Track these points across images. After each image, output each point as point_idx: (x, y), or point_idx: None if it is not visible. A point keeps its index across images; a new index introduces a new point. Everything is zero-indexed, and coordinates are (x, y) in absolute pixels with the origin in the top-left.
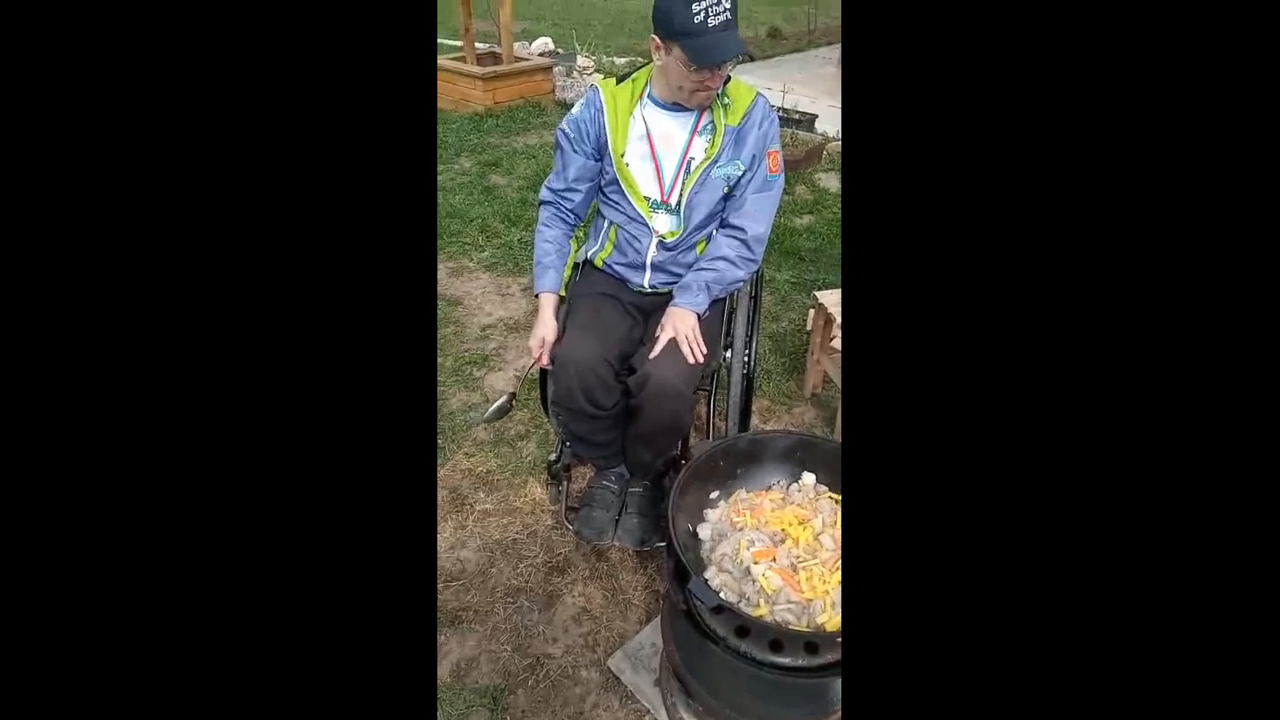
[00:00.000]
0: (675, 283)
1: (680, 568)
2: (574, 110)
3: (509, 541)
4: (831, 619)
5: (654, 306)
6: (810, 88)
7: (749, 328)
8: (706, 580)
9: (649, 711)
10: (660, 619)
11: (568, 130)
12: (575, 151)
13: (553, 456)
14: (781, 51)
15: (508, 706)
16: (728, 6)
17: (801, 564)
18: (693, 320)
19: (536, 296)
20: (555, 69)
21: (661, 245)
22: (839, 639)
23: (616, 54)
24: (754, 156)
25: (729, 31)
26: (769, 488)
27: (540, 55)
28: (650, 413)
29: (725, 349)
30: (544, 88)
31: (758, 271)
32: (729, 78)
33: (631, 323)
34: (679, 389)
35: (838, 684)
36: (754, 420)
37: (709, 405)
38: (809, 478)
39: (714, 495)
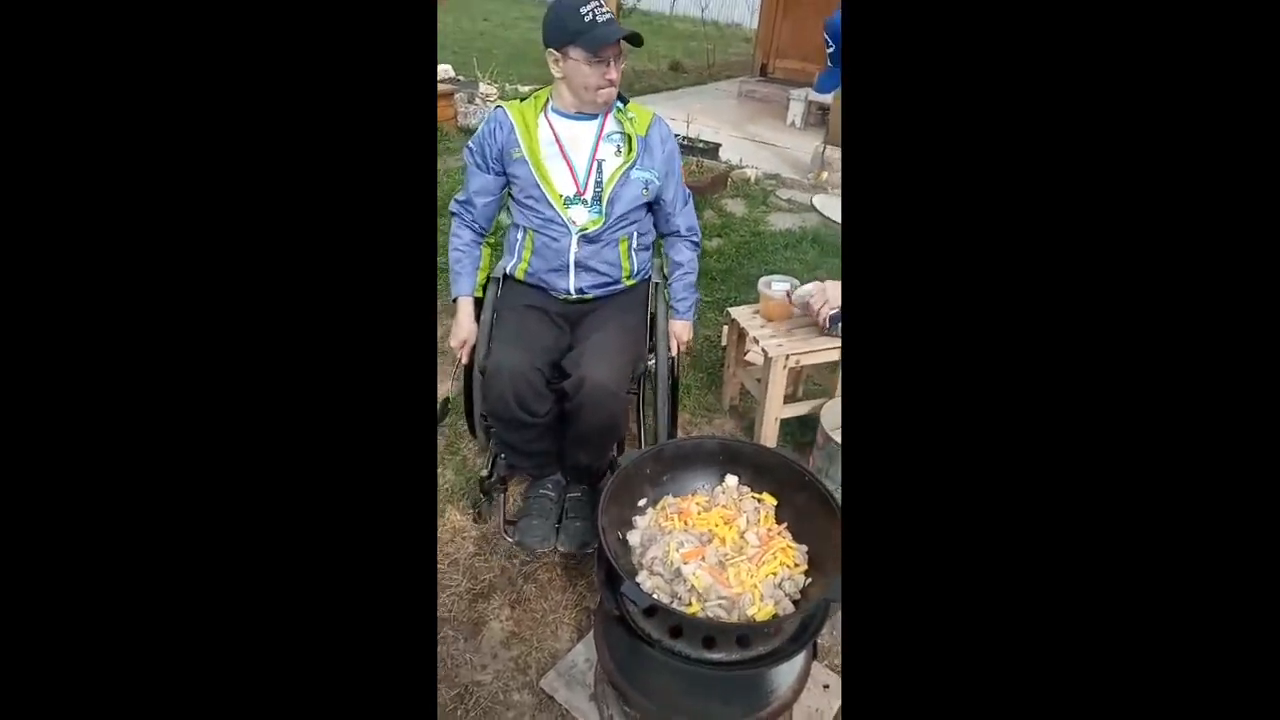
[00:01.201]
0: (600, 285)
1: (612, 573)
2: (478, 130)
3: None
4: (761, 610)
5: (579, 315)
6: (712, 118)
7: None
8: (638, 583)
9: None
10: (593, 632)
11: (473, 147)
12: (477, 167)
13: (484, 473)
14: (684, 84)
15: None
16: (609, 8)
17: (729, 561)
18: (689, 330)
19: (454, 301)
20: (456, 95)
21: (584, 239)
22: (768, 630)
23: (520, 82)
24: (666, 172)
25: (613, 24)
26: (694, 492)
27: (441, 81)
28: (588, 415)
29: (650, 351)
30: (445, 114)
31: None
32: (625, 100)
33: (558, 332)
34: (613, 390)
35: (771, 676)
36: (678, 432)
37: (639, 408)
38: (732, 480)
39: (642, 503)
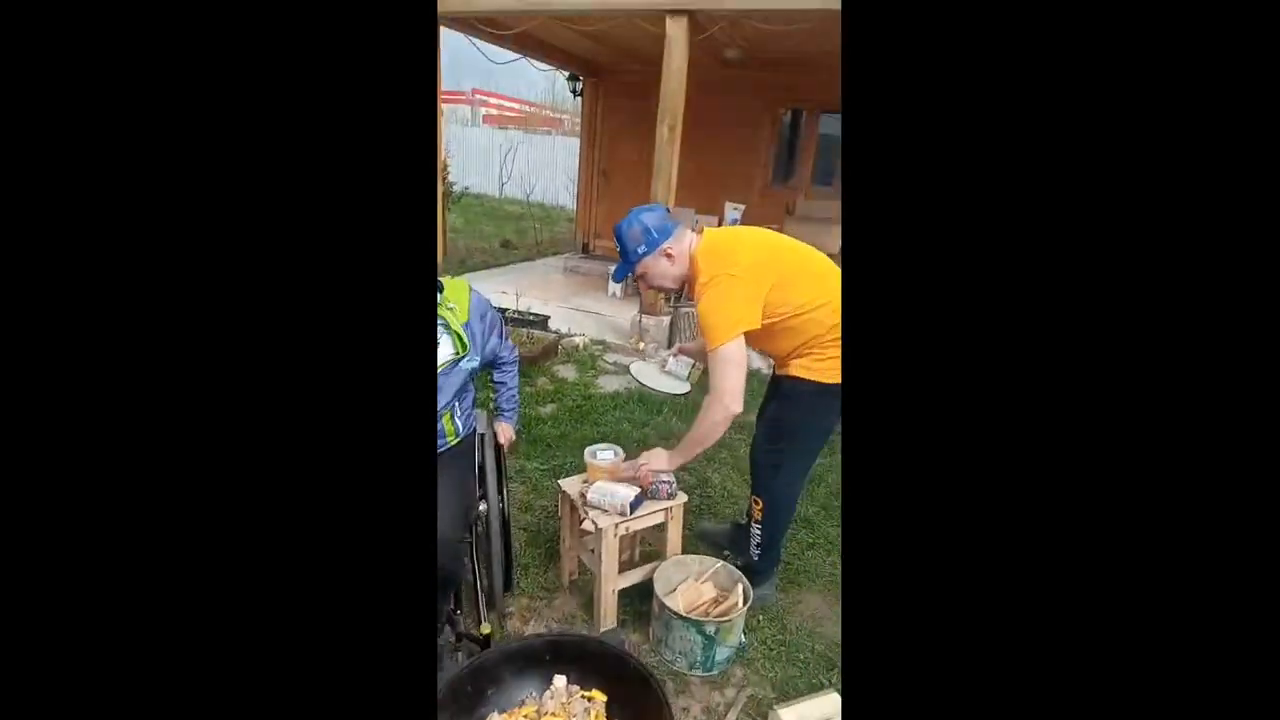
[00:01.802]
0: None
1: None
2: None
3: None
4: None
5: None
6: (541, 291)
7: (498, 475)
8: None
9: None
10: None
11: None
12: None
13: None
14: (513, 260)
15: None
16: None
17: None
18: (513, 430)
19: None
20: None
21: None
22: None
23: None
24: (488, 339)
25: None
26: (522, 702)
27: None
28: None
29: (480, 499)
30: None
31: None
32: (441, 287)
33: None
34: (446, 536)
35: None
36: (514, 622)
37: (473, 560)
38: (560, 681)
39: None
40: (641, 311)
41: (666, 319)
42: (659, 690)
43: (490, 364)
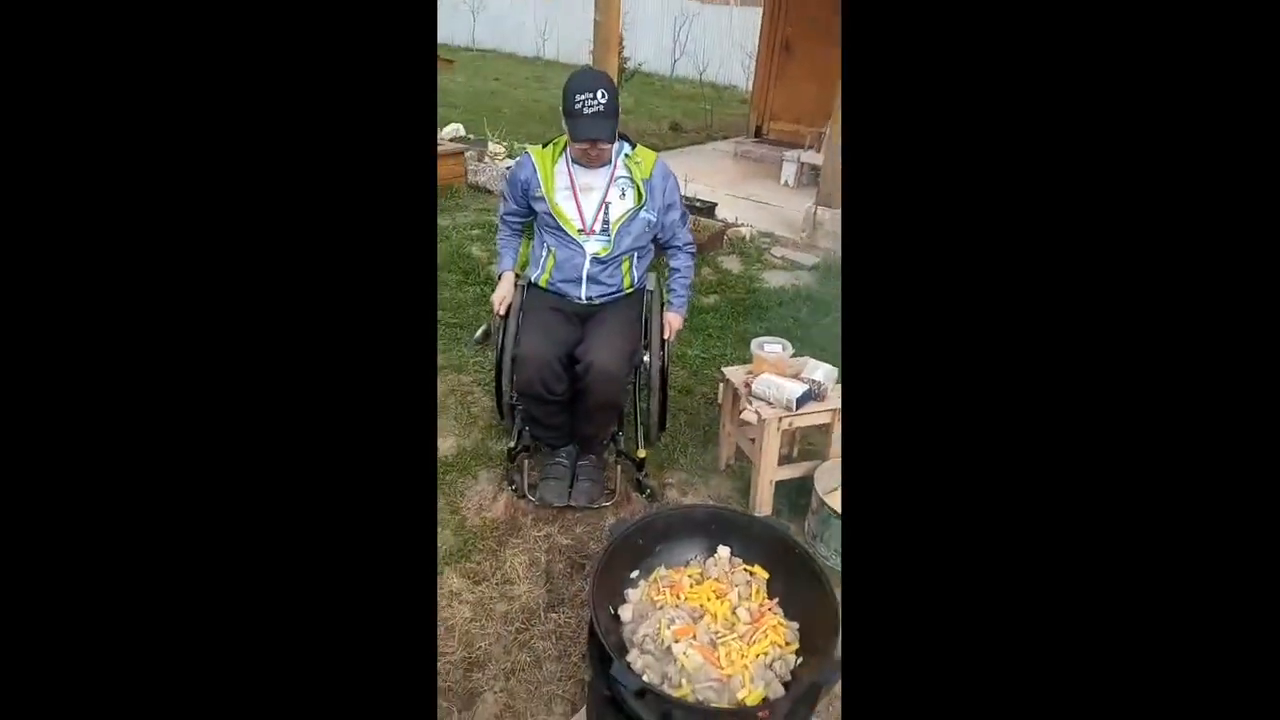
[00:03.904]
0: (607, 294)
1: (603, 654)
2: (511, 168)
3: None
4: (751, 694)
5: (589, 314)
6: (710, 178)
7: (662, 328)
8: (629, 663)
9: None
10: (585, 709)
11: (506, 181)
12: (508, 196)
13: (511, 444)
14: (681, 144)
15: None
16: (602, 102)
17: (720, 639)
18: (681, 321)
19: (499, 275)
20: (466, 154)
21: (595, 260)
22: (760, 712)
23: (528, 140)
24: (667, 205)
25: (598, 119)
26: (687, 563)
27: (451, 140)
28: (594, 393)
29: (644, 348)
30: (455, 172)
31: (661, 291)
32: (634, 145)
33: (572, 328)
34: (614, 373)
35: None
36: (671, 493)
37: (634, 397)
38: (724, 551)
39: (634, 574)
40: (817, 204)
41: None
42: (824, 579)
43: (667, 245)
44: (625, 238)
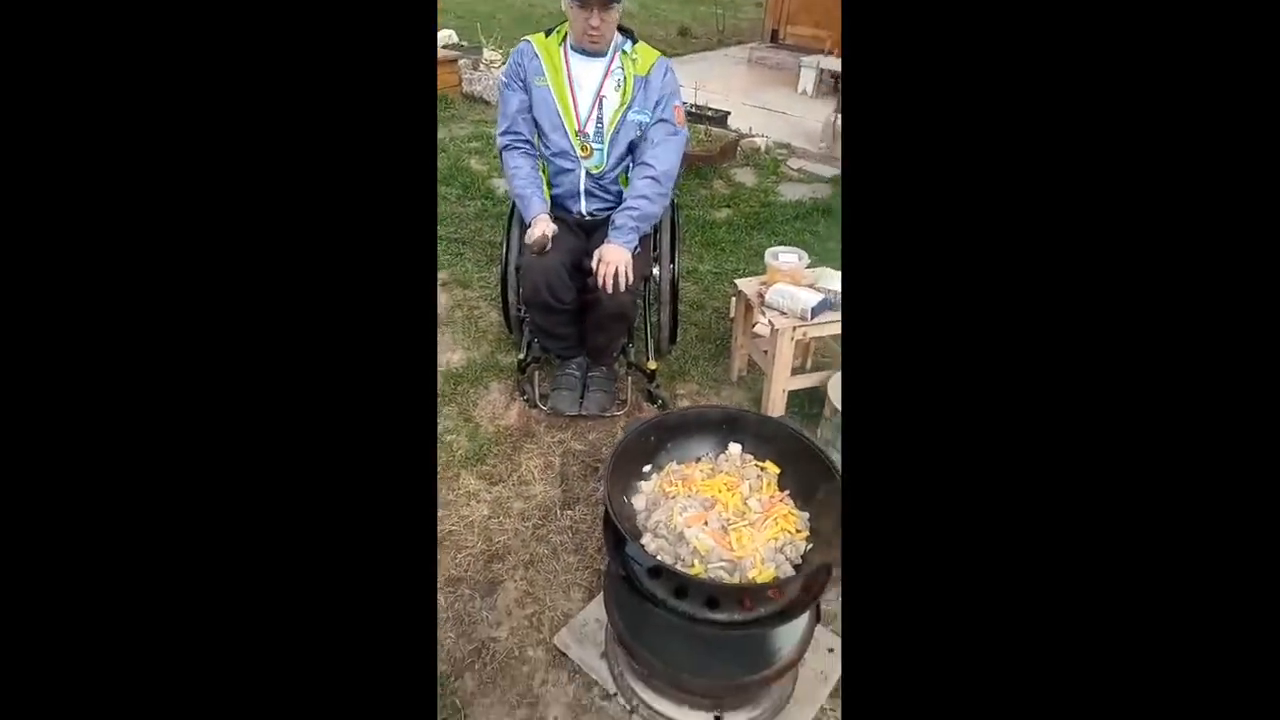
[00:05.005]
0: (607, 208)
1: (618, 535)
2: (509, 60)
3: (445, 533)
4: (761, 573)
5: (593, 226)
6: (721, 86)
7: (671, 242)
8: (643, 545)
9: (597, 683)
10: (603, 593)
11: (504, 77)
12: (511, 89)
13: (520, 356)
14: (692, 50)
15: (455, 691)
16: None
17: (731, 525)
18: (626, 256)
19: (532, 220)
20: (460, 62)
21: (590, 175)
22: (770, 590)
23: None
24: (657, 103)
25: None
26: (698, 459)
27: (444, 48)
28: (604, 302)
29: (654, 261)
30: (450, 80)
31: (671, 202)
32: (634, 40)
33: (577, 239)
34: (625, 283)
35: (774, 637)
36: (683, 403)
37: (645, 310)
38: (735, 448)
39: (646, 469)
40: (837, 111)
41: None
42: (835, 473)
43: (637, 160)
44: (618, 146)
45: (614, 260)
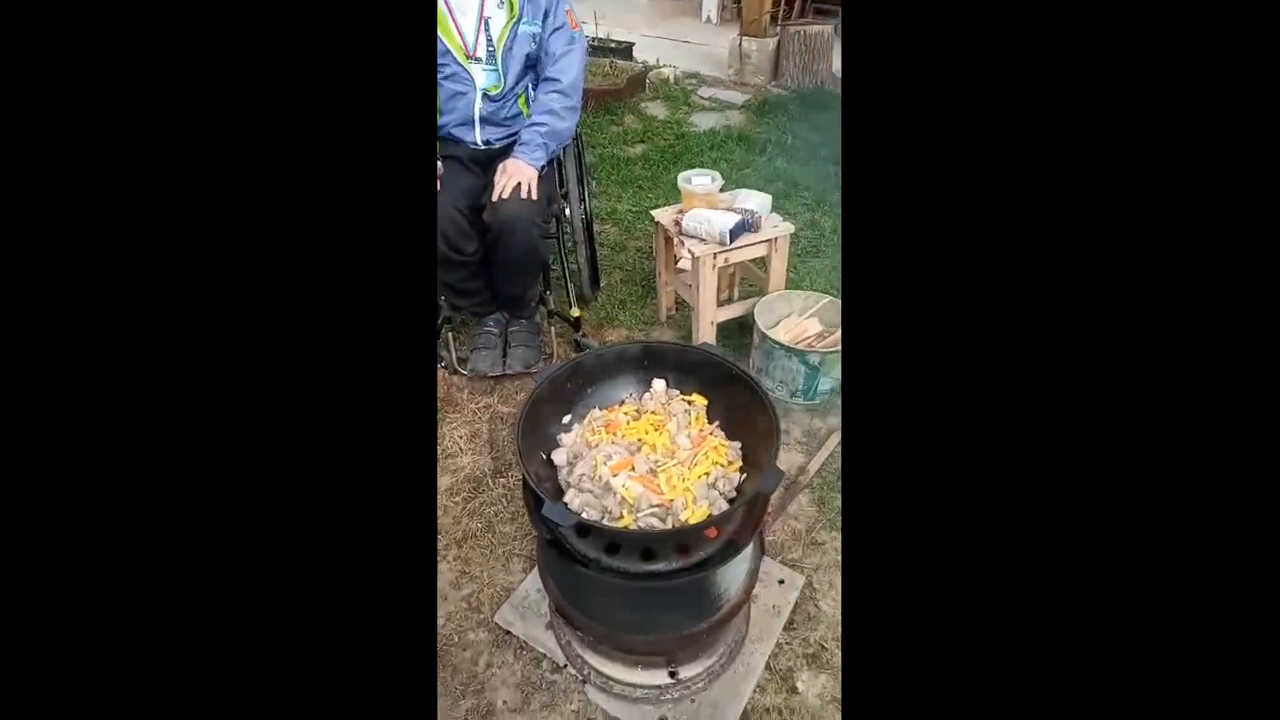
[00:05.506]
0: (505, 135)
1: (535, 498)
2: None
3: None
4: (694, 513)
5: (489, 159)
6: (624, 19)
7: (579, 176)
8: (565, 504)
9: (545, 656)
10: (537, 561)
11: None
12: None
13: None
14: None
15: None
16: None
17: (660, 467)
18: (531, 172)
19: None
20: None
21: (486, 97)
22: (706, 530)
23: None
24: (546, 12)
25: None
26: (621, 402)
27: None
28: (508, 243)
29: (563, 196)
30: None
31: (576, 134)
32: None
33: (474, 177)
34: (525, 217)
35: (717, 579)
36: (601, 280)
37: (560, 254)
38: (659, 384)
39: (566, 419)
40: (742, 34)
41: (773, 42)
42: (763, 394)
43: (539, 75)
44: (513, 64)
45: (517, 174)
